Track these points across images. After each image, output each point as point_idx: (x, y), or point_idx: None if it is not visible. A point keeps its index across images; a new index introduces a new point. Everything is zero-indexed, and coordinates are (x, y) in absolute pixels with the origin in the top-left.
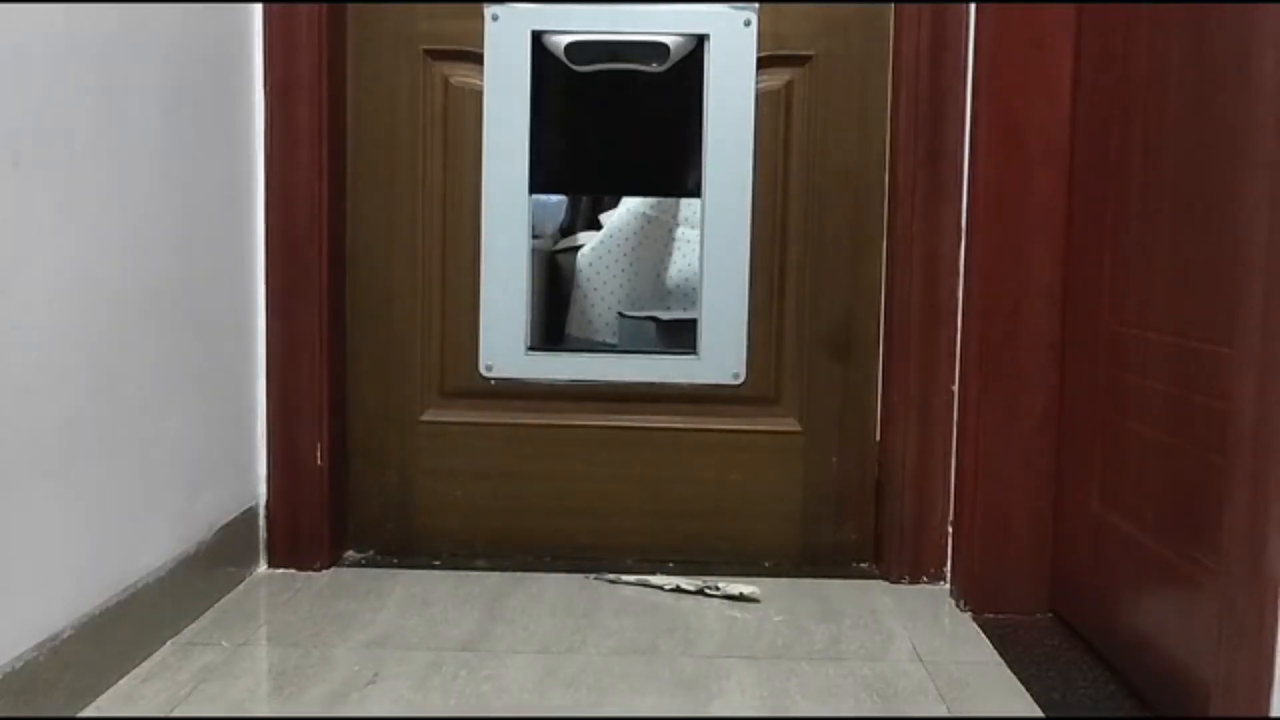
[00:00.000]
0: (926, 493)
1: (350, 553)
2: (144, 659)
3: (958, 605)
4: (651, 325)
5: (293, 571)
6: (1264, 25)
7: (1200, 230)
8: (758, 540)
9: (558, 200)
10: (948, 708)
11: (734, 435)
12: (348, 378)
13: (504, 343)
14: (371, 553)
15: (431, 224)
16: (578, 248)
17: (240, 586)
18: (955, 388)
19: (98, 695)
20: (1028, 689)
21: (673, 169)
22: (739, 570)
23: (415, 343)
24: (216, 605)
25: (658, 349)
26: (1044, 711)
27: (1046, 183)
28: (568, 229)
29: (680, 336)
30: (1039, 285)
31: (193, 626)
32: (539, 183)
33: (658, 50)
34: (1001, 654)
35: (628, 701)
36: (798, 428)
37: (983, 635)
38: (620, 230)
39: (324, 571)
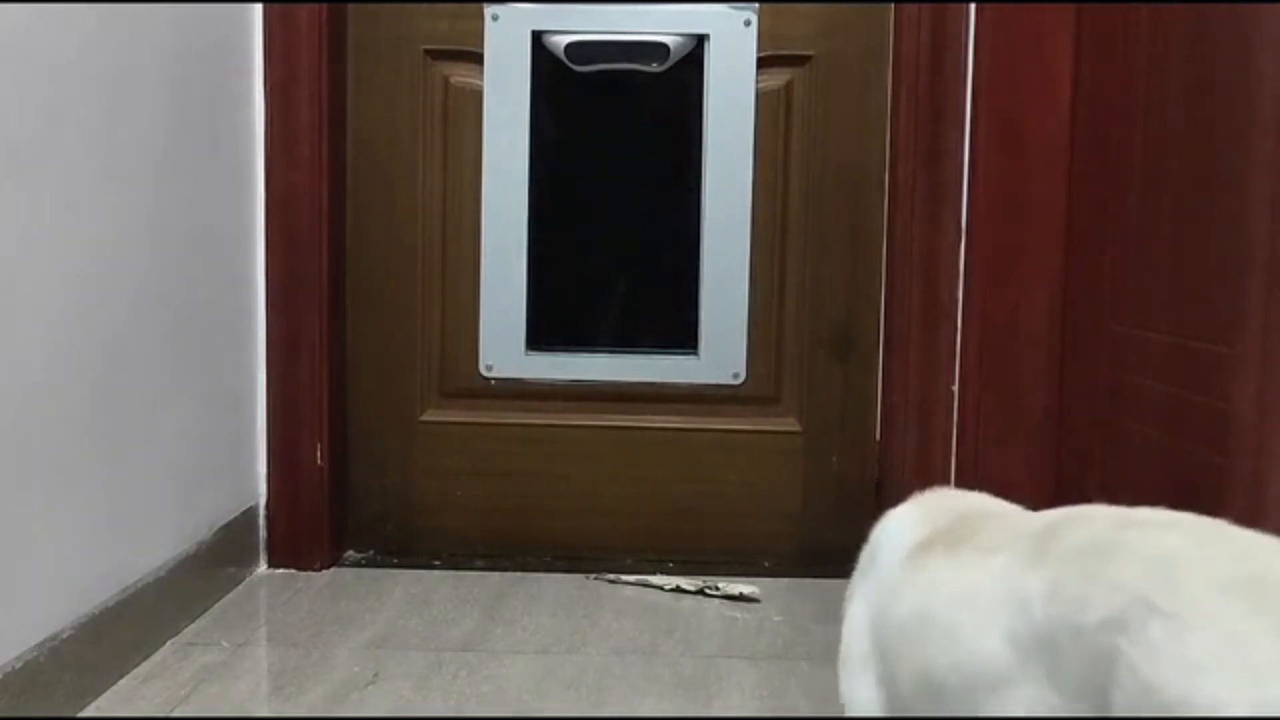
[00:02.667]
0: None
1: (350, 553)
2: (144, 659)
3: None
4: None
5: (293, 571)
6: (1264, 25)
7: (1200, 230)
8: (758, 540)
9: None
10: None
11: (734, 435)
12: (348, 378)
13: (504, 343)
14: (371, 553)
15: (431, 224)
16: None
17: (240, 586)
18: (955, 388)
19: (98, 695)
20: None
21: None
22: (739, 570)
23: (415, 343)
24: (216, 605)
25: (658, 349)
26: None
27: (1046, 183)
28: None
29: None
30: (1039, 285)
31: (193, 626)
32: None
33: (658, 50)
34: None
35: (628, 702)
36: (798, 428)
37: None
38: None
39: (324, 571)
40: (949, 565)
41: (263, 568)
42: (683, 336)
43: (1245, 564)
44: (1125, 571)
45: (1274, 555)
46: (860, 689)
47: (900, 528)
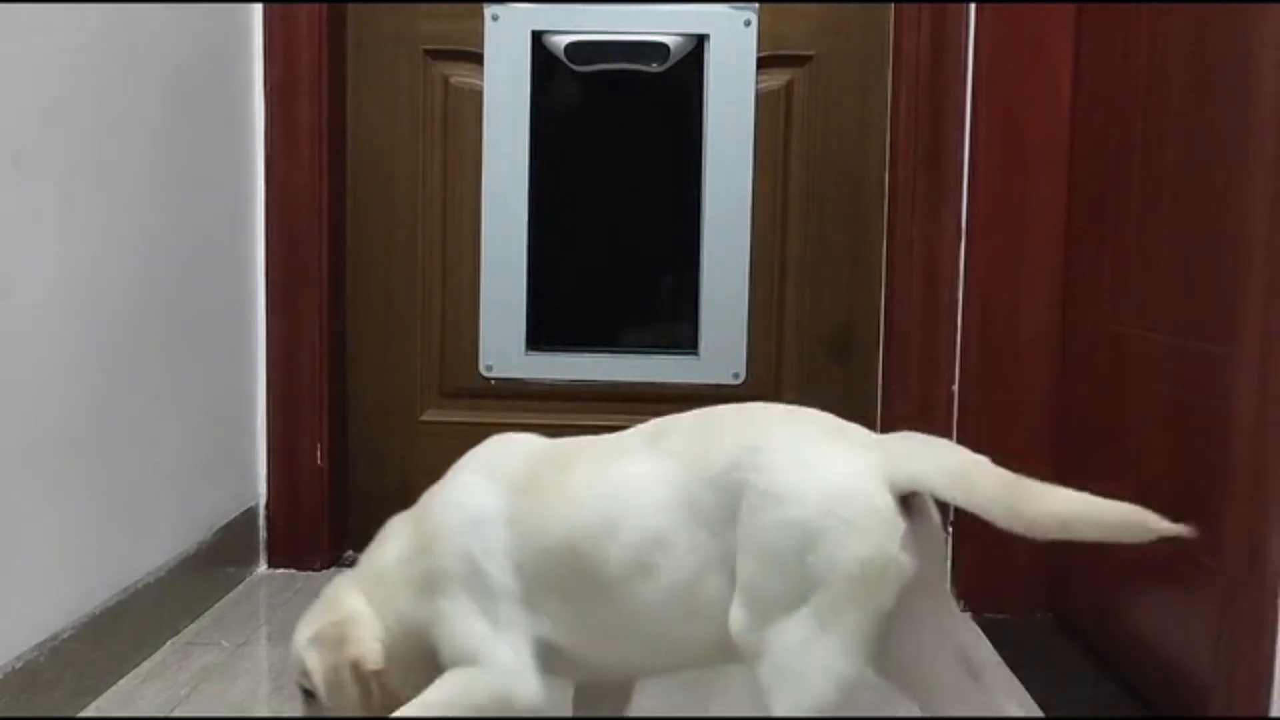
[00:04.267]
0: None
1: (350, 553)
2: (144, 659)
3: (958, 605)
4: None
5: (293, 571)
6: (1264, 25)
7: (1200, 230)
8: None
9: None
10: None
11: None
12: (348, 378)
13: (504, 343)
14: None
15: (431, 224)
16: None
17: (240, 586)
18: (955, 388)
19: (98, 695)
20: (1028, 689)
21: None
22: None
23: (415, 343)
24: (216, 605)
25: (658, 349)
26: (1044, 711)
27: (1046, 183)
28: None
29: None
30: (1039, 285)
31: (193, 626)
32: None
33: (658, 50)
34: (1001, 654)
35: None
36: None
37: (983, 635)
38: None
39: (324, 571)
40: (577, 485)
41: (263, 568)
42: (683, 336)
43: (803, 414)
44: (724, 438)
45: (819, 413)
46: (513, 630)
47: (476, 495)
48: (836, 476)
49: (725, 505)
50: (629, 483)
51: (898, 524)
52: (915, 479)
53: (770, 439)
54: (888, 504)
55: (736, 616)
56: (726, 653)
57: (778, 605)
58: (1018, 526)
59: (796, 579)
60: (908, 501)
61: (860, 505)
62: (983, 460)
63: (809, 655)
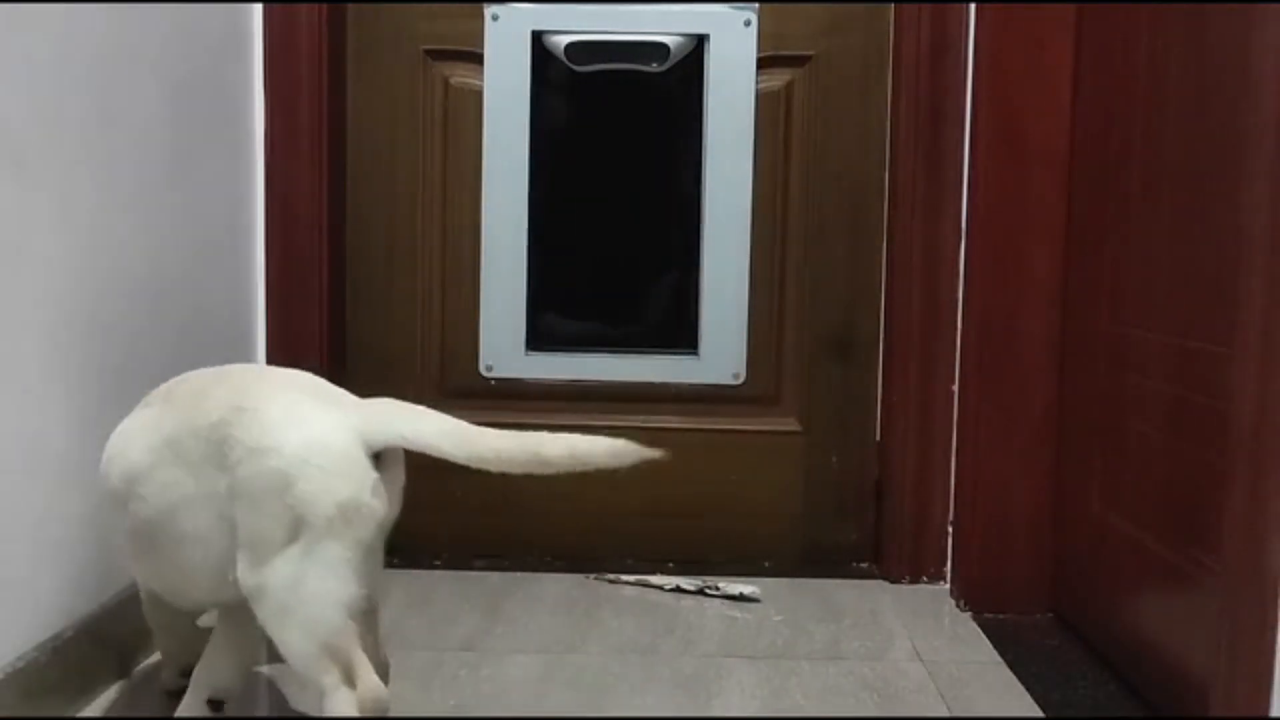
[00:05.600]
0: (926, 493)
1: None
2: (146, 659)
3: (958, 605)
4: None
5: None
6: (1264, 26)
7: (1200, 230)
8: (758, 540)
9: None
10: (948, 708)
11: (734, 435)
12: (348, 378)
13: (504, 343)
14: None
15: (431, 224)
16: None
17: None
18: (955, 388)
19: (99, 695)
20: (1028, 689)
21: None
22: (739, 570)
23: (415, 343)
24: None
25: (658, 349)
26: (1044, 711)
27: (1046, 183)
28: None
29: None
30: (1039, 285)
31: None
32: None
33: (658, 50)
34: (1001, 654)
35: (628, 701)
36: (798, 428)
37: (983, 635)
38: None
39: None
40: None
41: None
42: (683, 336)
43: (295, 379)
44: (219, 395)
45: (312, 379)
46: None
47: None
48: (314, 431)
49: (209, 455)
50: (133, 424)
51: (369, 473)
52: (385, 435)
53: (258, 400)
54: (360, 455)
55: (240, 561)
56: (228, 587)
57: (268, 545)
58: (470, 460)
59: (281, 519)
60: (381, 456)
61: (335, 455)
62: (445, 418)
63: (302, 588)
